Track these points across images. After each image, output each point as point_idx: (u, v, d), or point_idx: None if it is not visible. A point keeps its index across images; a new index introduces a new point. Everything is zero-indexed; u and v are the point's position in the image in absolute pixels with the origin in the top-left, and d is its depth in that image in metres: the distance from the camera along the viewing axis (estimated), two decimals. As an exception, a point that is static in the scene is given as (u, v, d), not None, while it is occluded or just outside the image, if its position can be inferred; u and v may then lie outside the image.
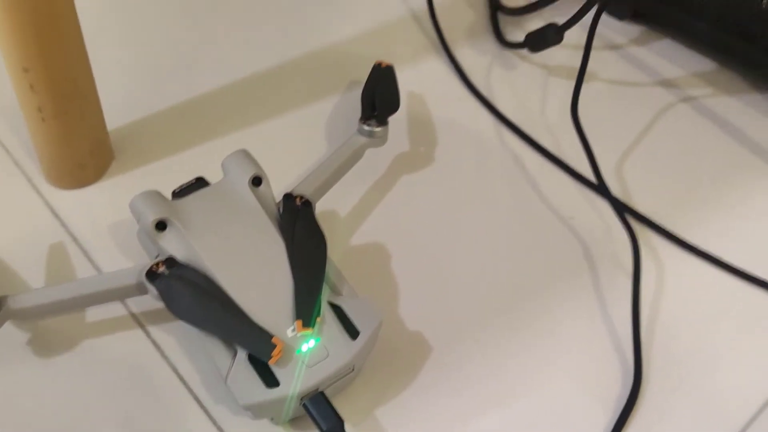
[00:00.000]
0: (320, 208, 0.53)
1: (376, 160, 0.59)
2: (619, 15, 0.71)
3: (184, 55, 0.68)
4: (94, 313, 0.49)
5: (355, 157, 0.54)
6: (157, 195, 0.46)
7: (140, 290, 0.44)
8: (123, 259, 0.52)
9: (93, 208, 0.55)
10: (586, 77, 0.66)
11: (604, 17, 0.71)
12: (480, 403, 0.47)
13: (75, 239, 0.54)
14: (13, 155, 0.58)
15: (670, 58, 0.68)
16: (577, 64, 0.60)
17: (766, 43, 0.62)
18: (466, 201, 0.57)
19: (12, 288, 0.50)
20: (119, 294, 0.45)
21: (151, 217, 0.44)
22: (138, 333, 0.49)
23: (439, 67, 0.68)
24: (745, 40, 0.63)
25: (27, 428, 0.44)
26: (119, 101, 0.62)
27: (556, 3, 0.67)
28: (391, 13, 0.73)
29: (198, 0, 0.73)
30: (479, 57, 0.69)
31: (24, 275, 0.51)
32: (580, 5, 0.61)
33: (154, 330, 0.49)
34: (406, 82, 0.65)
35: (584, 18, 0.60)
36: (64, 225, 0.54)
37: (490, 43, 0.70)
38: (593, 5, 0.59)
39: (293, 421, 0.44)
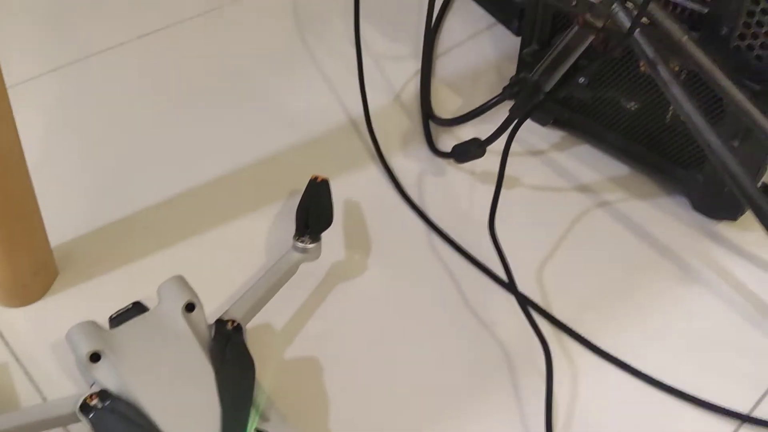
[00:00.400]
0: (256, 321, 0.56)
1: (312, 269, 0.62)
2: (541, 121, 0.77)
3: (126, 171, 0.71)
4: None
5: (290, 273, 0.58)
6: (92, 326, 0.48)
7: (74, 420, 0.46)
8: (65, 379, 0.54)
9: (37, 326, 0.58)
10: (511, 183, 0.71)
11: (528, 123, 0.77)
12: None
13: (18, 360, 0.56)
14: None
15: (588, 163, 0.73)
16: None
17: (672, 153, 0.68)
18: (398, 309, 0.61)
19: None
20: (57, 423, 0.47)
21: (86, 350, 0.46)
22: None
23: (374, 174, 0.72)
24: (653, 150, 0.69)
25: None
26: (63, 218, 0.65)
27: (485, 115, 0.72)
28: (332, 120, 0.78)
29: (137, 117, 0.77)
30: (412, 164, 0.73)
31: (-34, 399, 0.53)
32: (507, 112, 0.66)
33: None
34: (343, 190, 0.69)
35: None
36: (8, 345, 0.56)
37: (423, 150, 0.75)
38: (510, 124, 0.64)
39: None
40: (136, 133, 0.75)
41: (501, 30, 0.91)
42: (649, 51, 0.59)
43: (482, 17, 0.93)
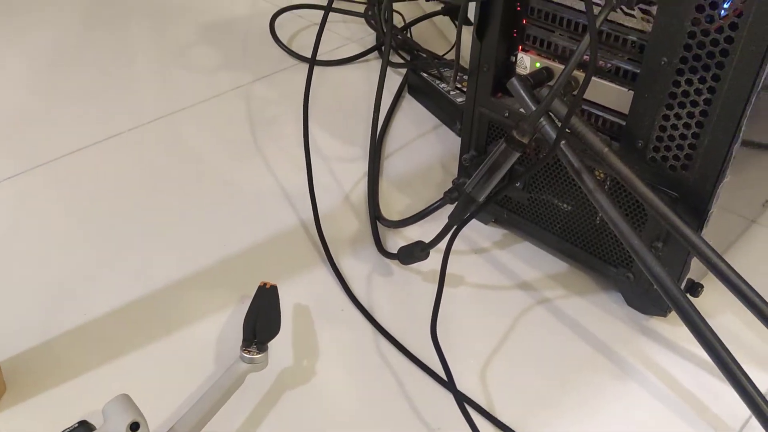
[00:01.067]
0: (204, 434, 0.56)
1: (260, 377, 0.63)
2: (483, 220, 0.80)
3: (74, 281, 0.72)
4: None
5: (237, 384, 0.59)
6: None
7: None
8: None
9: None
10: (455, 282, 0.74)
11: (472, 222, 0.80)
12: None
13: (-40, 482, 0.55)
14: None
15: (528, 261, 0.77)
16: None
17: (603, 252, 0.72)
18: (345, 416, 0.62)
19: None
20: None
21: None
22: None
23: (324, 276, 0.75)
24: (586, 250, 0.73)
25: None
26: (10, 331, 0.65)
27: (430, 217, 0.76)
28: (283, 221, 0.81)
29: (91, 223, 0.79)
30: (361, 265, 0.76)
31: None
32: (445, 222, 0.70)
33: None
34: (292, 293, 0.71)
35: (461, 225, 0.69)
36: (-50, 468, 0.56)
37: (371, 251, 0.77)
38: (449, 231, 0.67)
39: None
40: (84, 242, 0.77)
41: (445, 130, 0.96)
42: (575, 161, 0.63)
43: (428, 118, 0.98)
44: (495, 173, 0.61)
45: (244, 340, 0.61)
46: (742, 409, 0.55)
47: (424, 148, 0.93)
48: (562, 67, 0.67)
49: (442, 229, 0.68)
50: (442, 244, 0.69)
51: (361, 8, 1.19)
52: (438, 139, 0.95)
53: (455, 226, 0.66)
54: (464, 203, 0.62)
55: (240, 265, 0.75)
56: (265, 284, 0.67)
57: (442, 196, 0.72)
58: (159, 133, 0.93)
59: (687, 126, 0.60)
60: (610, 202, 0.62)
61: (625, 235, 0.61)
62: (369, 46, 1.11)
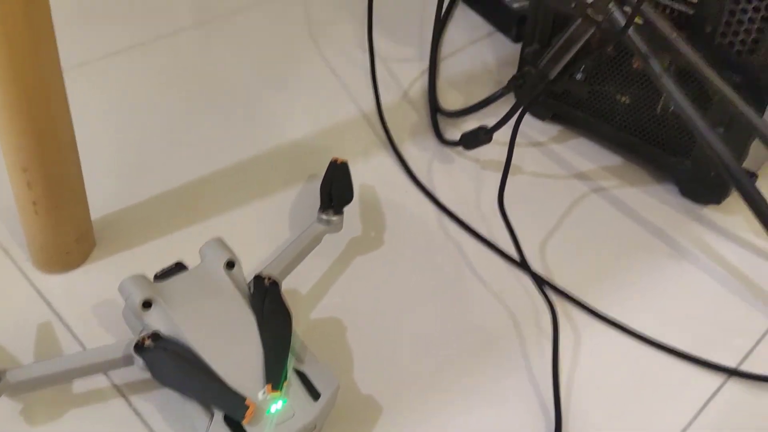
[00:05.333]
0: (284, 287, 0.60)
1: (332, 243, 0.67)
2: (541, 116, 0.83)
3: (159, 155, 0.76)
4: (79, 385, 0.55)
5: (315, 242, 0.63)
6: (143, 278, 0.53)
7: (126, 362, 0.50)
8: (105, 335, 0.58)
9: (77, 291, 0.62)
10: (513, 170, 0.77)
11: (528, 118, 0.83)
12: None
13: (61, 319, 0.59)
14: (3, 244, 0.64)
15: (584, 154, 0.79)
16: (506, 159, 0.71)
17: (662, 142, 0.74)
18: (412, 280, 0.66)
19: (4, 364, 0.55)
20: (106, 366, 0.51)
21: (139, 297, 0.51)
22: (120, 402, 0.54)
23: (387, 161, 0.78)
24: (645, 140, 0.75)
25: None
26: (101, 192, 0.69)
27: (488, 107, 0.78)
28: (346, 113, 0.83)
29: (172, 102, 0.82)
30: (422, 153, 0.79)
31: (14, 353, 0.56)
32: (507, 109, 0.72)
33: (135, 399, 0.54)
34: (358, 175, 0.74)
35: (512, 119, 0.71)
36: (50, 306, 0.60)
37: (431, 140, 0.80)
38: (517, 111, 0.70)
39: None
40: (169, 121, 0.80)
41: (499, 37, 0.97)
42: (642, 47, 0.65)
43: (481, 25, 0.99)
44: (567, 51, 0.63)
45: (322, 203, 0.65)
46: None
47: (477, 54, 0.95)
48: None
49: (510, 108, 0.70)
50: (504, 137, 0.71)
51: None
52: (492, 46, 0.96)
53: (523, 106, 0.69)
54: (535, 79, 0.65)
55: (308, 150, 0.78)
56: (336, 159, 0.70)
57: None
58: (229, 31, 0.95)
59: (756, 9, 0.62)
60: (676, 86, 0.64)
61: (691, 117, 0.64)
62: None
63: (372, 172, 0.76)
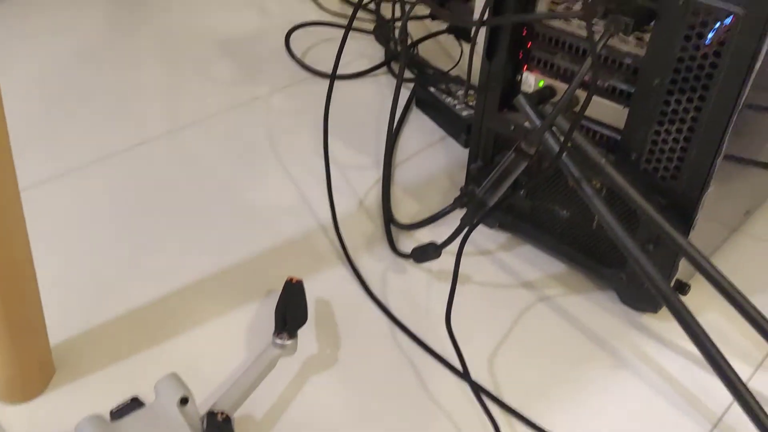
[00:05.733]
0: (239, 412, 0.62)
1: (288, 363, 0.69)
2: (489, 225, 0.87)
3: (116, 271, 0.78)
4: None
5: (270, 367, 0.65)
6: (99, 419, 0.55)
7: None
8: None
9: (38, 422, 0.63)
10: (463, 280, 0.81)
11: (478, 227, 0.87)
12: None
13: (20, 453, 0.61)
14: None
15: (530, 261, 0.84)
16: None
17: (599, 254, 0.79)
18: (365, 400, 0.68)
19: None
20: None
21: (95, 442, 0.52)
22: None
23: (342, 273, 0.81)
24: (583, 252, 0.80)
25: None
26: (57, 318, 0.71)
27: (439, 220, 0.82)
28: (304, 224, 0.87)
29: (129, 219, 0.85)
30: (376, 263, 0.82)
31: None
32: (456, 225, 0.76)
33: None
34: (315, 289, 0.77)
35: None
36: (10, 440, 0.62)
37: (386, 251, 0.84)
38: (461, 232, 0.74)
39: None
40: (126, 240, 0.83)
41: (451, 142, 1.03)
42: (575, 171, 0.70)
43: (434, 130, 1.05)
44: (504, 180, 0.68)
45: (276, 327, 0.67)
46: (725, 397, 0.62)
47: (431, 158, 1.00)
48: (564, 85, 0.74)
49: (455, 230, 0.74)
50: (453, 247, 0.75)
51: (369, 26, 1.26)
52: (444, 150, 1.01)
53: (467, 228, 0.73)
54: (476, 207, 0.69)
55: (265, 265, 0.81)
56: (291, 279, 0.73)
57: (450, 202, 0.79)
58: (176, 144, 0.99)
59: (676, 141, 0.68)
60: (606, 207, 0.69)
61: (620, 238, 0.68)
62: (377, 61, 1.18)
63: (328, 286, 0.79)
